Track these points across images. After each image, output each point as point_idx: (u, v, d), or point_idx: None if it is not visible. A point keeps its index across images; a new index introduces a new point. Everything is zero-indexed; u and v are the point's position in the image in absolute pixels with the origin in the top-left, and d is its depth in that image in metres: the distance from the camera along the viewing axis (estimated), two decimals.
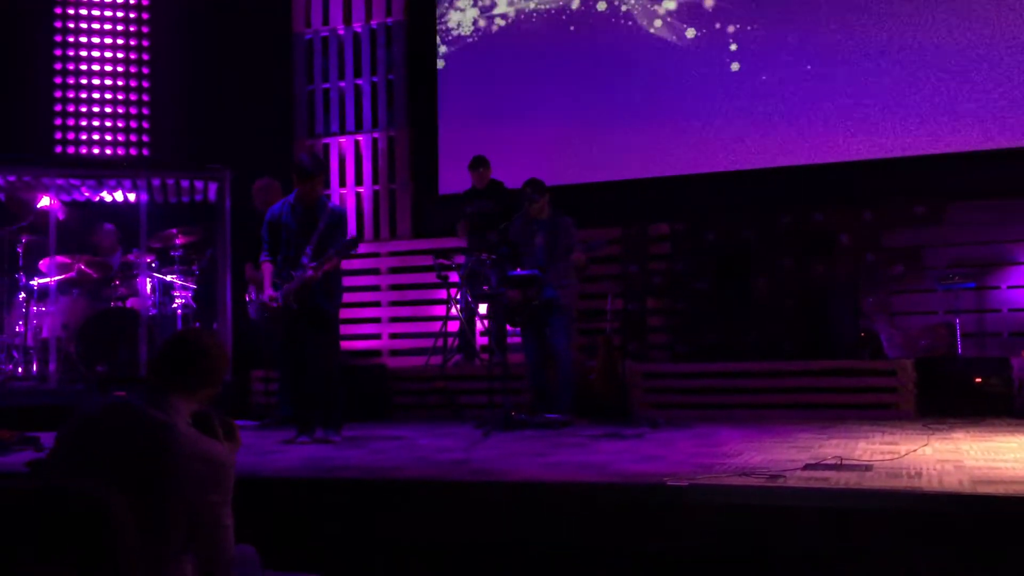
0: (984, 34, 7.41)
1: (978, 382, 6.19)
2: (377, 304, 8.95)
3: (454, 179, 8.65)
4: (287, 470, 4.33)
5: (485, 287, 7.39)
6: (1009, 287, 7.13)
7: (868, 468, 3.84)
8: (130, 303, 7.71)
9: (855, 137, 7.77)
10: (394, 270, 8.94)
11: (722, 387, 6.75)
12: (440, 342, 7.87)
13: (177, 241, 7.88)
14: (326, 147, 9.47)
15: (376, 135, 9.38)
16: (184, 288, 7.89)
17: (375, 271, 8.83)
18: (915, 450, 4.38)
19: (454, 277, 7.98)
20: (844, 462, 4.01)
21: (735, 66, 8.16)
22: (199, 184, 8.37)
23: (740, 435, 5.28)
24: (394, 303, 8.94)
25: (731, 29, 8.19)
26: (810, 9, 7.96)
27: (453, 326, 8.01)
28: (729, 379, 6.76)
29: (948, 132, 7.49)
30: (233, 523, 2.39)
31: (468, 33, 9.13)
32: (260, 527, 2.97)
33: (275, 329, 5.91)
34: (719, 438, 5.17)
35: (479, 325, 7.99)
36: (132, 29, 9.60)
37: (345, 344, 7.97)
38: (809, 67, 7.93)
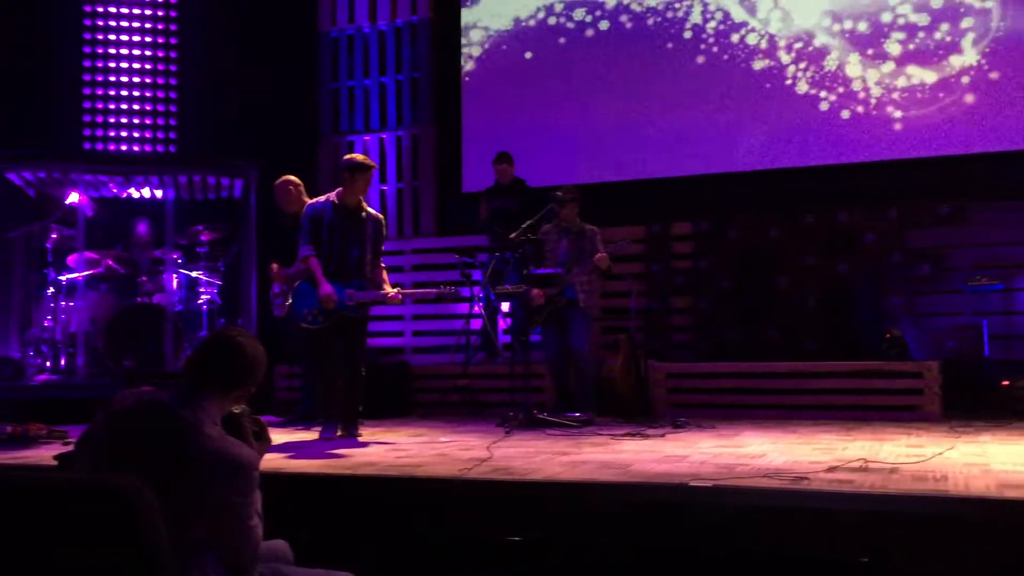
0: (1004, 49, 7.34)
1: (1005, 385, 6.14)
2: (401, 302, 8.95)
3: (478, 177, 8.67)
4: (312, 466, 4.36)
5: (508, 285, 7.41)
6: None
7: (893, 471, 3.81)
8: (156, 299, 7.79)
9: (880, 137, 7.72)
10: (417, 267, 8.97)
11: (745, 387, 6.72)
12: (463, 340, 7.89)
13: (203, 238, 7.96)
14: (351, 144, 9.51)
15: (400, 133, 9.42)
16: (210, 284, 7.96)
17: (399, 268, 8.86)
18: (941, 453, 4.35)
19: (477, 275, 7.99)
20: (869, 464, 3.99)
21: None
22: (225, 181, 8.45)
23: (763, 436, 5.26)
24: (418, 301, 8.94)
25: (760, 28, 8.16)
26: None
27: (476, 324, 8.03)
28: (752, 379, 6.73)
29: (974, 133, 7.42)
30: (261, 520, 2.41)
31: (494, 32, 9.13)
32: (289, 522, 3.00)
33: (315, 326, 5.81)
34: (742, 439, 5.15)
35: (501, 323, 8.00)
36: (159, 27, 9.70)
37: (369, 341, 8.01)
38: (837, 68, 7.88)
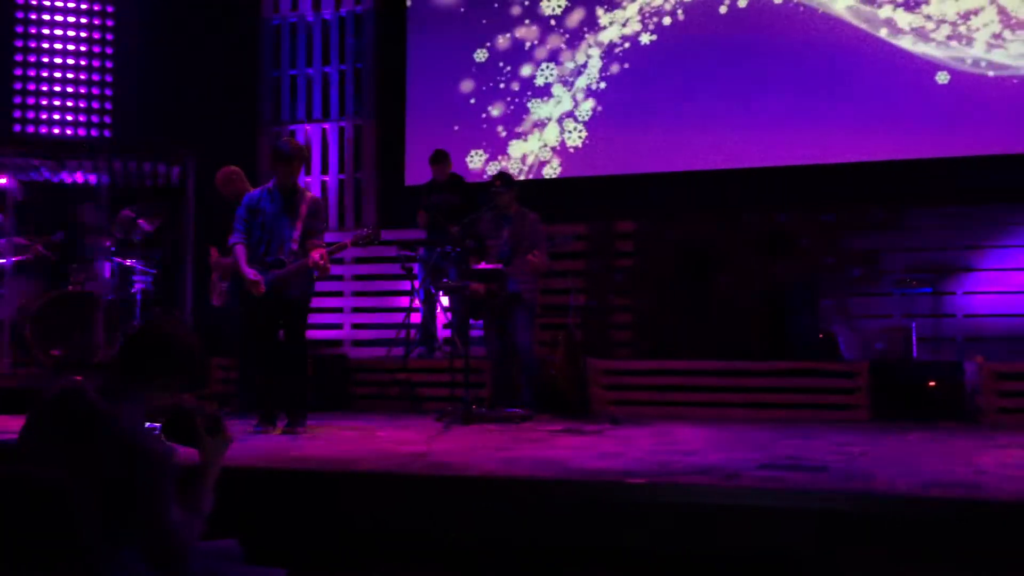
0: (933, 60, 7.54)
1: (932, 386, 6.30)
2: (340, 294, 8.91)
3: (421, 170, 8.62)
4: (246, 459, 4.29)
5: (446, 279, 7.40)
6: (964, 293, 7.26)
7: (823, 469, 3.89)
8: (88, 287, 7.60)
9: (819, 141, 7.86)
10: (358, 260, 8.90)
11: (683, 385, 6.79)
12: (402, 333, 7.85)
13: (139, 225, 7.78)
14: (292, 134, 9.39)
15: (343, 124, 9.33)
16: (144, 273, 7.79)
17: (339, 260, 8.75)
18: (869, 452, 4.45)
19: (418, 269, 7.96)
20: (799, 462, 4.06)
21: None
22: (162, 168, 8.29)
23: (699, 433, 5.32)
24: (357, 293, 8.91)
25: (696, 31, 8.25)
26: (781, 21, 8.03)
27: (416, 318, 8.00)
28: (690, 377, 6.81)
29: (907, 140, 7.61)
30: (189, 518, 2.35)
31: (438, 24, 9.08)
32: (220, 520, 2.95)
33: (248, 315, 5.75)
34: (678, 436, 5.21)
35: (441, 317, 7.98)
36: (96, 8, 9.44)
37: (308, 333, 7.92)
38: (777, 74, 8.00)
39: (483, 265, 6.38)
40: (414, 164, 8.99)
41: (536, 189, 7.73)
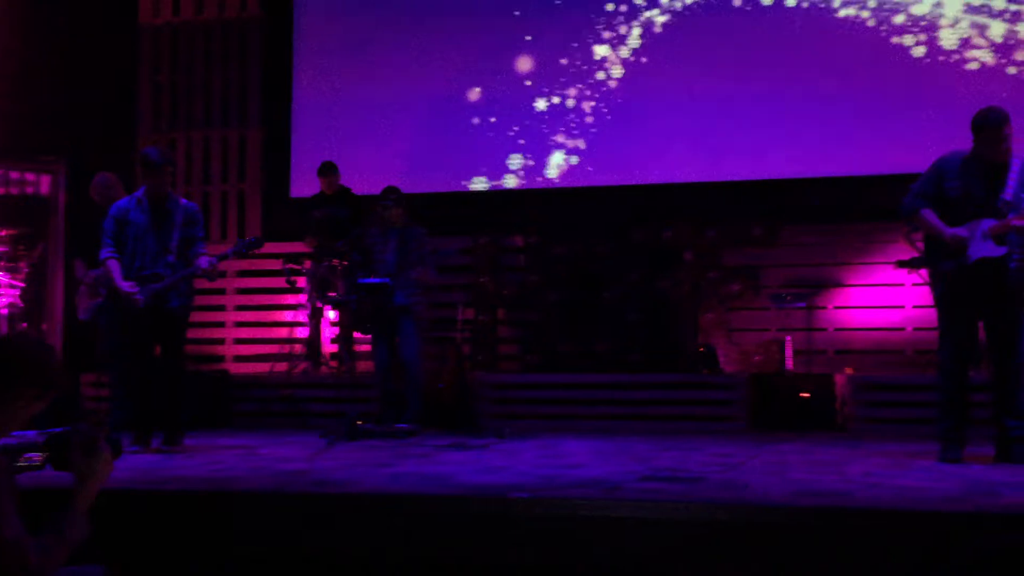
0: (813, 84, 7.87)
1: (805, 397, 6.54)
2: (222, 308, 8.67)
3: (307, 182, 8.49)
4: (116, 480, 4.10)
5: (333, 293, 7.30)
6: (835, 307, 7.57)
7: (700, 480, 3.98)
8: None
9: (704, 159, 8.08)
10: (241, 273, 8.68)
11: (569, 398, 6.87)
12: (287, 348, 7.69)
13: (2, 235, 7.40)
14: (173, 142, 9.09)
15: (226, 133, 9.10)
16: (11, 287, 7.41)
17: (221, 274, 8.50)
18: (744, 462, 4.58)
19: (304, 282, 7.81)
20: (678, 474, 4.15)
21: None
22: (31, 176, 7.90)
23: (584, 446, 5.38)
24: (240, 307, 8.69)
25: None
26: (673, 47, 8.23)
27: (302, 332, 7.85)
28: (576, 391, 6.89)
29: (786, 159, 7.90)
30: (49, 542, 2.22)
31: (326, 32, 8.97)
32: (98, 545, 2.81)
33: (124, 329, 5.49)
34: (563, 449, 5.25)
35: (328, 332, 7.85)
36: None
37: (188, 349, 7.68)
38: (664, 95, 8.20)
39: (369, 279, 6.31)
40: (300, 175, 8.84)
41: (424, 202, 7.70)
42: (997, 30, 7.62)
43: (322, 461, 4.73)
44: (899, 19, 7.78)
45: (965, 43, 7.65)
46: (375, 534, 3.53)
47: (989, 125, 4.43)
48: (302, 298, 7.78)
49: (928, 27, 7.73)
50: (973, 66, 7.61)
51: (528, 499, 3.50)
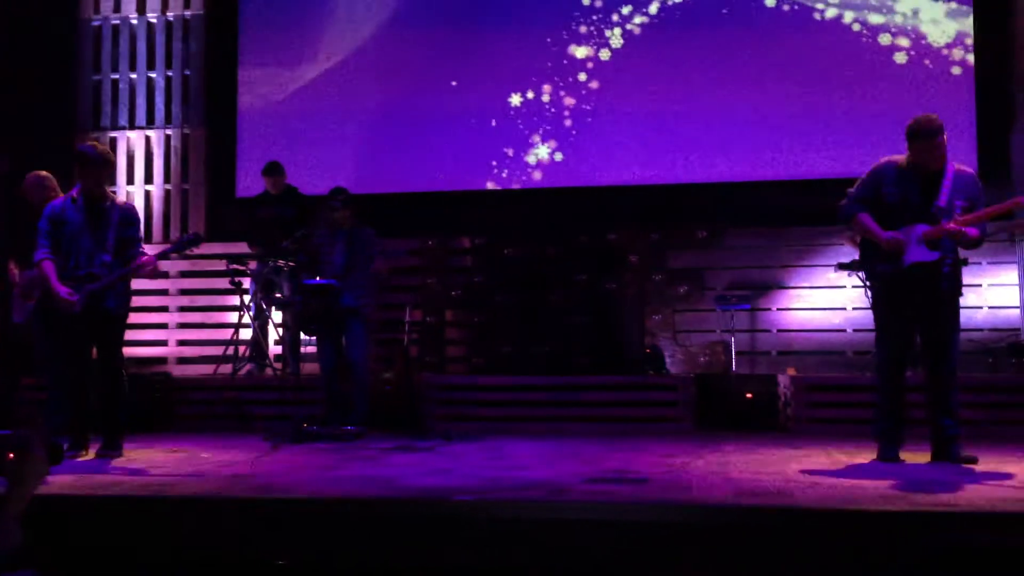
0: (752, 89, 8.00)
1: (749, 397, 6.63)
2: (164, 309, 8.53)
3: (253, 181, 8.38)
4: (51, 486, 4.01)
5: (278, 295, 7.21)
6: (778, 309, 7.70)
7: (645, 481, 4.01)
8: None
9: (649, 163, 8.15)
10: (184, 274, 8.54)
11: (516, 400, 6.87)
12: (231, 350, 7.58)
13: None
14: (113, 141, 8.93)
15: (169, 132, 8.95)
16: None
17: (163, 274, 8.38)
18: (689, 463, 4.63)
19: (249, 283, 7.71)
20: (624, 475, 4.17)
21: (531, 95, 8.38)
22: None
23: (530, 448, 5.39)
24: (183, 308, 8.55)
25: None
26: (622, 56, 8.29)
27: (246, 334, 7.75)
28: (523, 392, 6.89)
29: (731, 163, 8.01)
30: None
31: (271, 32, 8.86)
32: (32, 551, 2.74)
33: (60, 331, 5.35)
34: (509, 451, 5.25)
35: (273, 333, 7.76)
36: None
37: (127, 351, 7.54)
38: (611, 102, 8.25)
39: (315, 280, 6.25)
40: (246, 175, 8.73)
41: (372, 203, 7.65)
42: (936, 38, 7.81)
43: (266, 464, 4.67)
44: (849, 24, 7.93)
45: (905, 50, 7.83)
46: (319, 538, 3.49)
47: (924, 134, 4.53)
48: (247, 299, 7.67)
49: (871, 35, 7.89)
50: (905, 66, 7.79)
51: (473, 502, 3.50)
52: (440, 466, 4.59)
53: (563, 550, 3.41)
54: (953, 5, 7.81)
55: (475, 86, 8.46)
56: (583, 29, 8.31)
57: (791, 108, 7.92)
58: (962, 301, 4.74)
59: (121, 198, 5.42)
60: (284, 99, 8.77)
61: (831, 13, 7.94)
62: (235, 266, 7.53)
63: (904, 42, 7.82)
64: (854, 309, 7.44)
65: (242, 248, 7.92)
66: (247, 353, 7.69)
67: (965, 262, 5.24)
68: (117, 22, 9.08)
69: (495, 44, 8.45)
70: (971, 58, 7.73)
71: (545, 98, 8.34)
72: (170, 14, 9.02)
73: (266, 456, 5.04)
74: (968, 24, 7.77)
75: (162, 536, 3.55)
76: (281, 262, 7.01)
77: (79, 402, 5.26)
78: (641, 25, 8.22)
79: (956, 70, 7.74)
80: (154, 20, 9.05)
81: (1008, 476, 4.13)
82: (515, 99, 8.37)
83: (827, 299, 7.62)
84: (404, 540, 3.47)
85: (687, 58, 8.12)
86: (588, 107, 8.27)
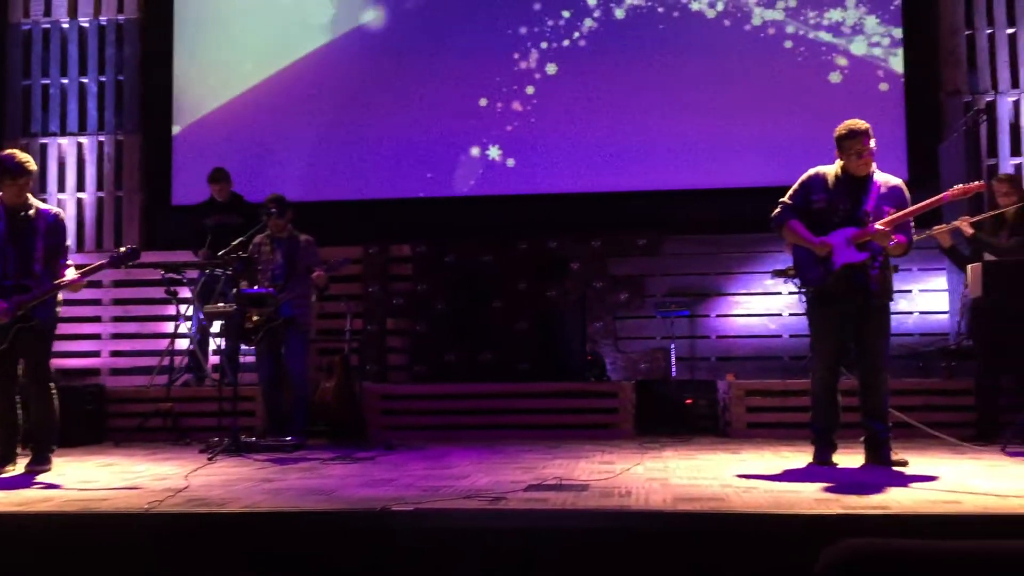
0: (691, 101, 8.11)
1: (688, 403, 6.71)
2: (98, 319, 8.34)
3: (190, 189, 8.25)
4: None
5: (220, 304, 7.10)
6: (717, 315, 7.80)
7: (584, 488, 4.02)
8: None
9: (590, 171, 8.20)
10: (118, 283, 8.36)
11: (457, 408, 6.85)
12: (166, 361, 7.44)
13: None
14: (44, 147, 8.72)
15: (102, 138, 8.77)
16: None
17: (97, 283, 8.20)
18: (628, 469, 4.66)
19: (186, 293, 7.58)
20: (563, 482, 4.18)
21: (483, 101, 8.38)
22: None
23: (471, 457, 5.37)
24: (117, 319, 8.37)
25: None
26: (566, 64, 8.34)
27: (183, 344, 7.61)
28: (464, 400, 6.88)
29: (671, 171, 8.10)
30: None
31: (207, 37, 8.74)
32: None
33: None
34: (450, 460, 5.23)
35: (212, 343, 7.63)
36: None
37: (57, 362, 7.36)
38: (553, 110, 8.29)
39: (253, 289, 6.16)
40: (183, 182, 8.58)
41: (312, 211, 7.58)
42: (859, 49, 8.00)
43: (201, 478, 4.59)
44: (784, 40, 8.09)
45: (839, 68, 8.01)
46: (256, 552, 3.43)
47: (851, 135, 4.64)
48: (184, 309, 7.54)
49: (806, 50, 8.06)
50: (838, 79, 7.97)
51: (412, 512, 3.47)
52: (381, 476, 4.55)
53: (502, 559, 3.40)
54: (882, 25, 8.00)
55: (418, 93, 8.43)
56: (528, 42, 8.34)
57: (728, 120, 8.05)
58: (893, 306, 4.86)
59: (48, 207, 5.27)
60: (222, 105, 8.65)
61: (770, 31, 8.11)
62: (171, 275, 7.39)
63: (840, 59, 8.01)
64: (790, 315, 7.58)
65: (179, 256, 7.79)
66: (184, 364, 7.55)
67: (896, 268, 5.37)
68: (48, 26, 8.88)
69: (440, 53, 8.45)
70: (900, 69, 7.94)
71: (488, 107, 8.36)
72: (103, 18, 8.85)
73: (202, 469, 4.95)
74: (898, 37, 7.98)
75: (93, 552, 3.46)
76: (220, 271, 6.90)
77: (6, 415, 5.10)
78: (586, 37, 8.30)
79: (883, 86, 7.96)
80: (86, 24, 8.87)
81: (936, 478, 4.23)
82: (459, 107, 8.37)
83: (764, 305, 7.75)
84: (343, 552, 3.43)
85: (629, 71, 8.22)
86: (532, 118, 8.32)
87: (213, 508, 3.63)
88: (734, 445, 5.87)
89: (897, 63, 7.95)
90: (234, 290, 6.35)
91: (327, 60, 8.57)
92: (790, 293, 7.42)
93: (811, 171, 4.83)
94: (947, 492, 3.82)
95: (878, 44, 8.00)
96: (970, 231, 5.97)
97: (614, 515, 3.45)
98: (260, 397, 6.53)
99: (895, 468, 4.59)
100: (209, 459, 5.35)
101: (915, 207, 4.68)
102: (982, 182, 4.97)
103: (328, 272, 6.33)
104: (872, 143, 4.65)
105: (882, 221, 4.58)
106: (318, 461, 5.26)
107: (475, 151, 8.34)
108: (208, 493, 4.02)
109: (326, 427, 6.60)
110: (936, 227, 6.12)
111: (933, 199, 4.76)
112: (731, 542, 3.31)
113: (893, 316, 4.88)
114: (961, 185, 4.86)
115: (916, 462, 4.70)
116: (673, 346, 7.32)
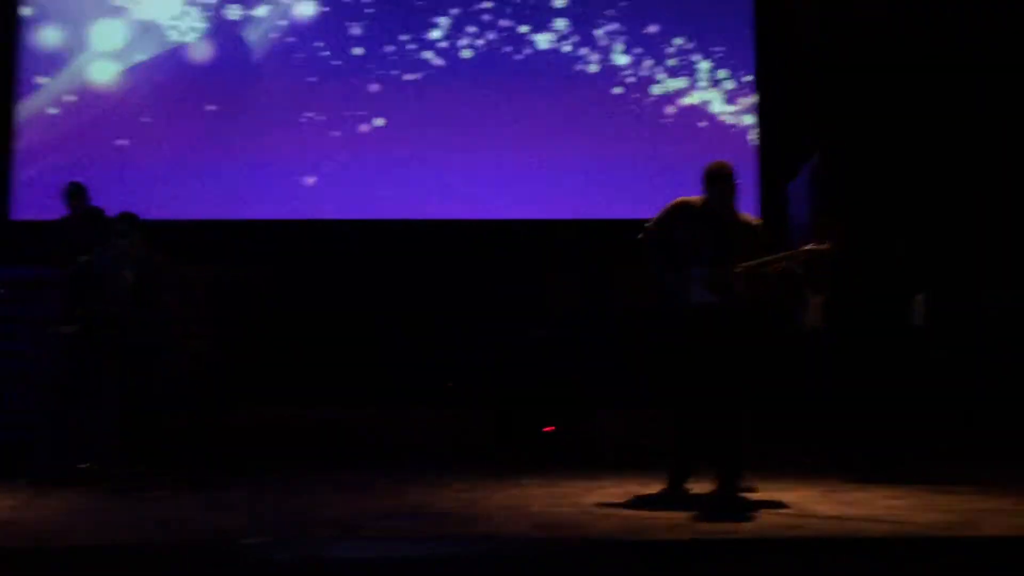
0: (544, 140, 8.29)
1: (550, 430, 6.75)
2: None
3: (32, 203, 7.80)
4: None
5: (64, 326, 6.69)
6: None
7: (445, 515, 3.97)
8: None
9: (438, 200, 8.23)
10: None
11: (313, 435, 6.70)
12: None
13: None
14: None
15: None
16: None
17: None
18: (489, 496, 4.61)
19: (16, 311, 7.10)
20: (421, 510, 4.12)
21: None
22: None
23: (326, 486, 5.18)
24: None
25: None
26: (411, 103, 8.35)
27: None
28: (320, 427, 6.73)
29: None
30: None
31: (56, 40, 8.31)
32: None
33: None
34: (304, 488, 5.06)
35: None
36: None
37: None
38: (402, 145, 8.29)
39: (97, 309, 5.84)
40: (24, 196, 8.11)
41: (166, 230, 7.28)
42: (720, 90, 8.35)
43: (35, 510, 4.28)
44: (638, 82, 8.35)
45: (695, 105, 8.34)
46: None
47: (723, 177, 4.78)
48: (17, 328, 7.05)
49: (662, 94, 8.33)
50: (692, 118, 8.28)
51: (262, 543, 3.34)
52: (231, 506, 4.37)
53: None
54: (731, 77, 8.34)
55: (268, 111, 8.26)
56: (377, 70, 8.32)
57: (594, 153, 8.22)
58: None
59: None
60: (68, 113, 8.23)
61: (626, 75, 8.32)
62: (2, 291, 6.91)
63: (693, 97, 8.30)
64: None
65: (16, 273, 7.29)
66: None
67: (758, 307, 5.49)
68: None
69: (290, 73, 8.32)
70: (752, 107, 8.28)
71: (336, 133, 8.26)
72: None
73: (34, 501, 4.62)
74: (749, 78, 8.33)
75: None
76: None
77: None
78: (429, 73, 8.31)
79: (744, 118, 8.28)
80: None
81: (783, 505, 4.39)
82: (308, 130, 8.25)
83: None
84: None
85: (475, 104, 8.27)
86: (379, 143, 8.25)
87: (51, 542, 3.39)
88: (595, 473, 5.90)
89: (751, 109, 8.29)
90: (73, 310, 6.01)
91: (179, 69, 8.30)
92: None
93: (676, 201, 4.86)
94: (792, 516, 3.97)
95: (729, 85, 8.33)
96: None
97: (473, 541, 3.42)
98: (100, 423, 6.16)
99: (745, 495, 4.71)
100: (38, 491, 4.99)
101: (775, 257, 4.67)
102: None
103: (176, 294, 6.08)
104: (735, 181, 4.80)
105: (740, 267, 4.65)
106: (167, 491, 4.98)
107: (320, 175, 8.22)
108: (43, 527, 3.75)
109: (174, 455, 6.28)
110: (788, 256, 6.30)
111: (793, 252, 4.81)
112: (591, 568, 3.32)
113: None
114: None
115: (765, 488, 4.85)
116: None
